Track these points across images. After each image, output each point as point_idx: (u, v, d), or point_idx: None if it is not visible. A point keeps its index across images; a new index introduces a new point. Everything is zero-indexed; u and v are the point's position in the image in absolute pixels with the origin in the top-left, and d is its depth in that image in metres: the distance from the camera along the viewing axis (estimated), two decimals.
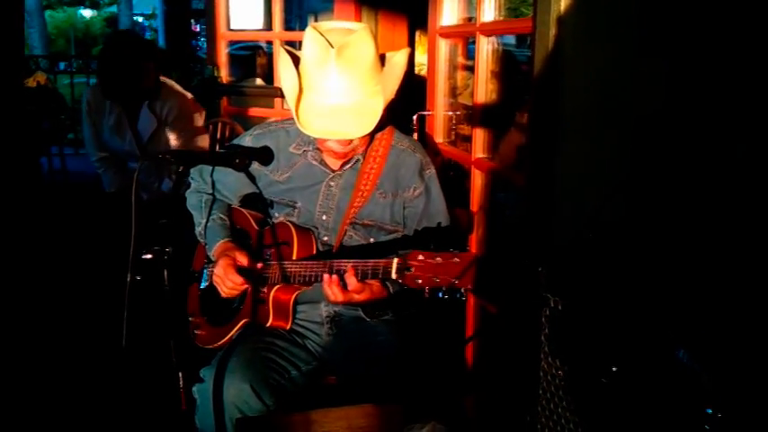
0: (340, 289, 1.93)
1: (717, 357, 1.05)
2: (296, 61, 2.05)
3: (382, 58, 2.07)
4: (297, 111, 1.97)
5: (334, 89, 1.93)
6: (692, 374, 1.05)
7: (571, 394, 1.23)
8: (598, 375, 1.17)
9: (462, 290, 1.76)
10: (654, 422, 1.10)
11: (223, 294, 2.12)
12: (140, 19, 24.55)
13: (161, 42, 13.27)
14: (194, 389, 2.01)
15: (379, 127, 2.13)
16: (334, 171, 2.16)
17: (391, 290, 2.08)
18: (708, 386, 1.02)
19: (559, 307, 1.29)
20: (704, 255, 1.53)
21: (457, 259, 1.74)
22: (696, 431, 1.02)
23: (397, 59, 2.08)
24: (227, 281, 2.06)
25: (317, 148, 2.13)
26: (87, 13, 26.20)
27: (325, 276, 1.94)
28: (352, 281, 1.90)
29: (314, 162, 2.16)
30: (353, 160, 2.14)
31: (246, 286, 2.09)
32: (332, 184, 2.16)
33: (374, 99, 1.96)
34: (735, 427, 0.98)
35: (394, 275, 1.83)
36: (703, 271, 1.47)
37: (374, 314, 2.22)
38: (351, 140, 2.01)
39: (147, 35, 22.45)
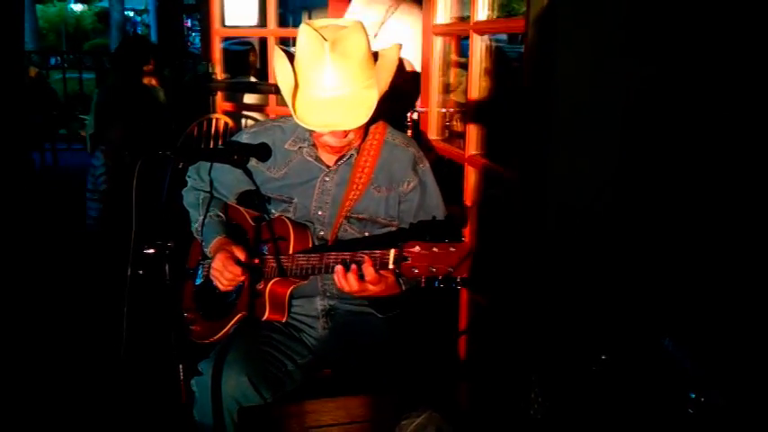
0: (356, 278, 1.90)
1: (701, 345, 1.10)
2: (291, 59, 2.09)
3: (375, 56, 2.11)
4: (293, 105, 2.01)
5: (329, 82, 1.95)
6: (677, 361, 1.09)
7: (563, 381, 1.27)
8: (589, 363, 1.21)
9: (458, 279, 1.80)
10: (641, 406, 1.15)
11: (221, 288, 2.15)
12: (131, 14, 24.44)
13: (153, 38, 13.23)
14: (193, 382, 2.04)
15: (373, 121, 2.17)
16: (329, 167, 2.19)
17: (404, 286, 2.07)
18: (691, 372, 1.06)
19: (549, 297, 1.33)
20: (688, 247, 1.58)
21: (453, 249, 1.77)
22: (680, 414, 1.06)
23: (389, 53, 2.12)
24: (225, 272, 2.09)
25: (313, 145, 2.17)
26: (77, 7, 26.04)
27: (339, 267, 1.91)
28: (369, 271, 1.88)
29: (309, 158, 2.20)
30: (348, 155, 2.17)
31: (244, 278, 2.12)
32: (327, 179, 2.20)
33: (369, 91, 1.98)
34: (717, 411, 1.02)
35: (391, 265, 1.86)
36: (689, 263, 1.51)
37: (386, 311, 2.23)
38: (346, 134, 2.04)
39: (139, 30, 22.38)
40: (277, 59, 2.12)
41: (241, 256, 2.12)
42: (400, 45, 2.17)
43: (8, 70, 4.80)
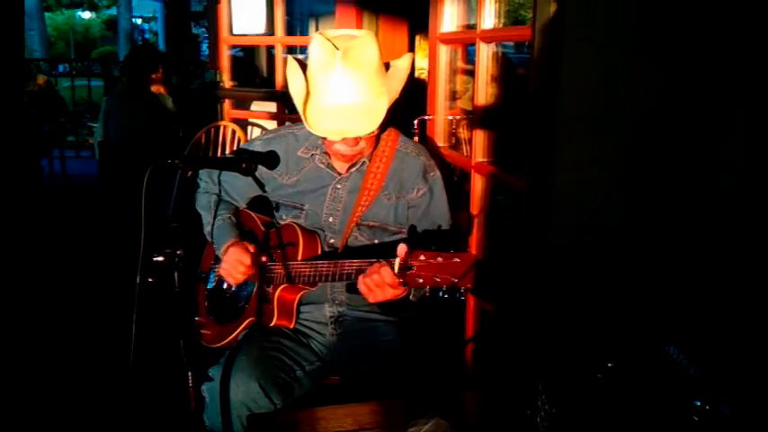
0: (382, 279, 1.88)
1: (706, 353, 1.10)
2: (302, 68, 2.12)
3: (387, 66, 2.13)
4: (305, 113, 2.03)
5: (340, 90, 1.98)
6: (681, 369, 1.09)
7: (569, 388, 1.27)
8: (594, 370, 1.21)
9: (462, 290, 1.80)
10: (646, 413, 1.15)
11: (232, 281, 2.17)
12: (139, 21, 24.56)
13: (161, 46, 13.29)
14: (203, 387, 2.06)
15: (384, 128, 2.18)
16: (341, 174, 2.21)
17: (411, 296, 2.05)
18: (696, 379, 1.07)
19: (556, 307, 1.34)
20: (695, 255, 1.58)
21: (457, 259, 1.78)
22: (685, 422, 1.06)
23: (402, 63, 2.15)
24: (238, 265, 2.12)
25: (325, 152, 2.19)
26: (86, 15, 26.18)
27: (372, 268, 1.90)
28: (388, 273, 1.87)
29: (321, 165, 2.22)
30: (360, 163, 2.19)
31: (253, 272, 2.15)
32: (339, 186, 2.21)
33: (379, 99, 2.01)
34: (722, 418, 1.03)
35: (395, 273, 1.88)
36: (694, 271, 1.51)
37: (399, 313, 2.26)
38: (357, 142, 2.06)
39: (147, 38, 22.49)
40: (289, 68, 2.16)
41: (252, 249, 2.15)
42: (412, 55, 2.19)
43: (12, 77, 4.84)
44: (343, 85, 1.97)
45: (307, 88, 2.05)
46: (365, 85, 1.99)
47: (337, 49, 1.96)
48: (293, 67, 2.13)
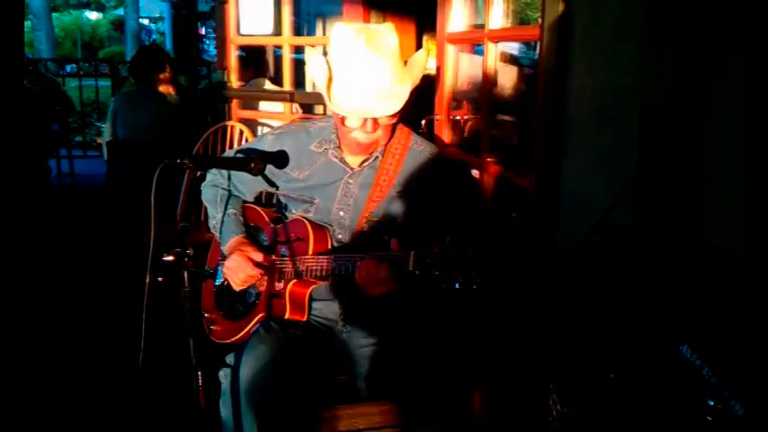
0: (375, 270, 1.94)
1: (719, 352, 1.10)
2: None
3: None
4: (329, 93, 2.05)
5: (365, 72, 2.00)
6: (695, 369, 1.09)
7: (580, 388, 1.27)
8: (606, 370, 1.21)
9: (477, 280, 1.81)
10: (659, 414, 1.15)
11: (234, 287, 2.20)
12: (146, 22, 24.61)
13: (168, 46, 13.32)
14: (221, 374, 2.11)
15: (396, 126, 2.19)
16: (353, 169, 2.22)
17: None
18: (710, 379, 1.06)
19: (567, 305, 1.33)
20: (707, 254, 1.57)
21: (472, 251, 1.79)
22: (698, 421, 1.06)
23: (419, 56, 2.17)
24: (239, 272, 2.16)
25: (338, 147, 2.20)
26: (93, 15, 26.28)
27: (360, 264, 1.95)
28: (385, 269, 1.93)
29: (334, 159, 2.22)
30: (372, 158, 2.20)
31: (257, 279, 2.16)
32: (350, 181, 2.22)
33: (401, 85, 2.03)
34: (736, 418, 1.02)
35: (411, 267, 1.89)
36: (706, 269, 1.51)
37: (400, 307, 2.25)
38: (376, 128, 2.07)
39: (154, 38, 22.55)
40: (311, 55, 2.17)
41: (257, 256, 2.16)
42: (428, 50, 2.21)
43: (13, 76, 4.85)
44: (367, 68, 2.00)
45: (329, 72, 2.07)
46: (388, 69, 2.02)
47: (362, 33, 1.99)
48: (315, 57, 2.15)
